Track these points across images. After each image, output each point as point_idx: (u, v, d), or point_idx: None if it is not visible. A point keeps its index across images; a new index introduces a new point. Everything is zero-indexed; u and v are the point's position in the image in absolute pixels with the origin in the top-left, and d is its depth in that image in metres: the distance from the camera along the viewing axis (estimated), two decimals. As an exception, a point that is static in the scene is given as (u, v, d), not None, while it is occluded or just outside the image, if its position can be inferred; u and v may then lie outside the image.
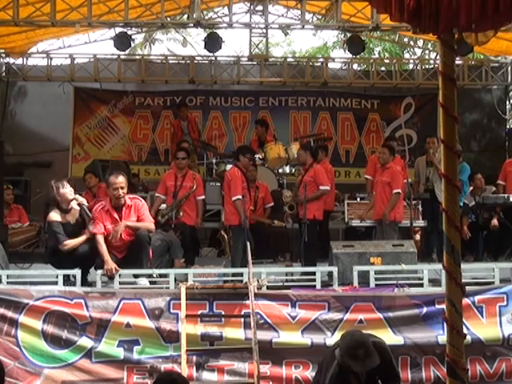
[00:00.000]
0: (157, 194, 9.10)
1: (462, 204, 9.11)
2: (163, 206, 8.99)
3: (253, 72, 13.30)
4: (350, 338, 4.78)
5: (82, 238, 7.16)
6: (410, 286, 6.98)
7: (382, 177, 8.96)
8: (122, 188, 7.18)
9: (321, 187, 8.79)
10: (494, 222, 9.30)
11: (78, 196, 7.37)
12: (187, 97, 13.37)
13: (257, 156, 10.43)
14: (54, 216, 7.23)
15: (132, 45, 12.49)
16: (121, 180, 7.18)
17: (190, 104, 13.28)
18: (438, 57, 12.01)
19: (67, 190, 7.24)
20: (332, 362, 4.78)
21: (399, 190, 8.81)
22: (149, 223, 7.36)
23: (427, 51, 17.83)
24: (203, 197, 9.15)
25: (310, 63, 13.84)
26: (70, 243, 7.11)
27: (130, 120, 13.37)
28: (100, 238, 7.08)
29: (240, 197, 8.53)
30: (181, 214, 8.68)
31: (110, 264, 6.94)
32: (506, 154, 13.26)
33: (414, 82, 13.47)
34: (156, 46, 26.27)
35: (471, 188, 9.81)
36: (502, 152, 13.49)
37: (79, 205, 7.29)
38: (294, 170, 10.48)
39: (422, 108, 13.55)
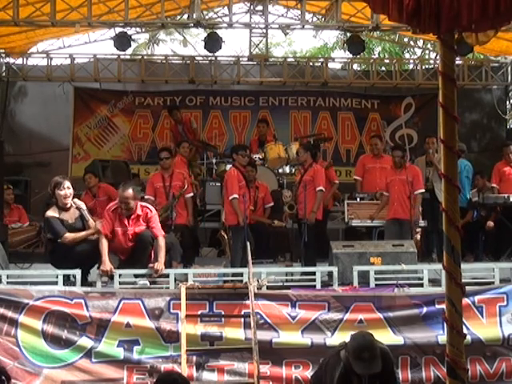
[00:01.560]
0: (147, 196, 8.96)
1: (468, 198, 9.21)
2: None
3: (253, 72, 13.30)
4: (359, 339, 4.77)
5: (84, 233, 7.14)
6: (410, 285, 6.98)
7: (399, 176, 8.85)
8: (128, 203, 7.17)
9: (317, 188, 8.79)
10: (489, 223, 9.26)
11: (76, 200, 7.32)
12: (187, 97, 13.38)
13: (257, 156, 10.44)
14: (51, 213, 7.22)
15: (132, 45, 12.48)
16: (127, 195, 7.17)
17: (189, 104, 13.31)
18: (437, 57, 12.00)
19: (62, 193, 7.17)
20: (338, 362, 4.77)
21: (423, 190, 8.86)
22: (161, 240, 7.24)
23: (427, 51, 17.82)
24: (191, 194, 9.16)
25: (310, 63, 13.84)
26: (71, 236, 7.10)
27: (130, 119, 13.37)
28: (103, 238, 7.08)
29: (236, 196, 8.54)
30: (174, 214, 8.62)
31: (107, 265, 6.92)
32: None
33: (414, 81, 13.47)
34: (160, 46, 26.29)
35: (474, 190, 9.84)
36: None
37: (78, 209, 7.27)
38: (294, 170, 10.48)
39: (422, 108, 13.55)
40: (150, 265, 7.07)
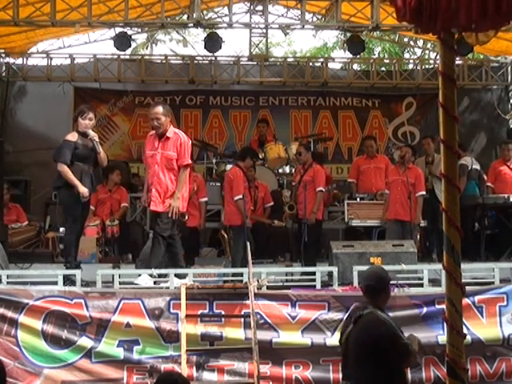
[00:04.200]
0: None
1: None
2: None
3: (253, 72, 13.30)
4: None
5: (75, 183, 7.14)
6: (410, 286, 6.97)
7: (402, 176, 8.81)
8: (158, 119, 7.13)
9: (317, 188, 8.80)
10: None
11: (90, 131, 7.41)
12: (187, 96, 13.38)
13: (256, 156, 10.44)
14: (70, 136, 7.39)
15: (132, 45, 12.47)
16: (155, 111, 7.19)
17: (189, 103, 13.31)
18: (437, 57, 12.00)
19: (83, 122, 7.37)
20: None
21: (424, 192, 8.84)
22: (182, 172, 7.13)
23: (427, 51, 17.81)
24: (206, 199, 9.19)
25: (310, 63, 13.84)
26: (65, 170, 7.16)
27: (130, 118, 13.37)
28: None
29: (241, 196, 8.55)
30: (186, 217, 8.59)
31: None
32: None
33: (414, 82, 13.48)
34: (158, 46, 26.25)
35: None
36: (503, 152, 13.47)
37: (90, 139, 7.38)
38: (294, 170, 10.48)
39: (423, 106, 13.56)
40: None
